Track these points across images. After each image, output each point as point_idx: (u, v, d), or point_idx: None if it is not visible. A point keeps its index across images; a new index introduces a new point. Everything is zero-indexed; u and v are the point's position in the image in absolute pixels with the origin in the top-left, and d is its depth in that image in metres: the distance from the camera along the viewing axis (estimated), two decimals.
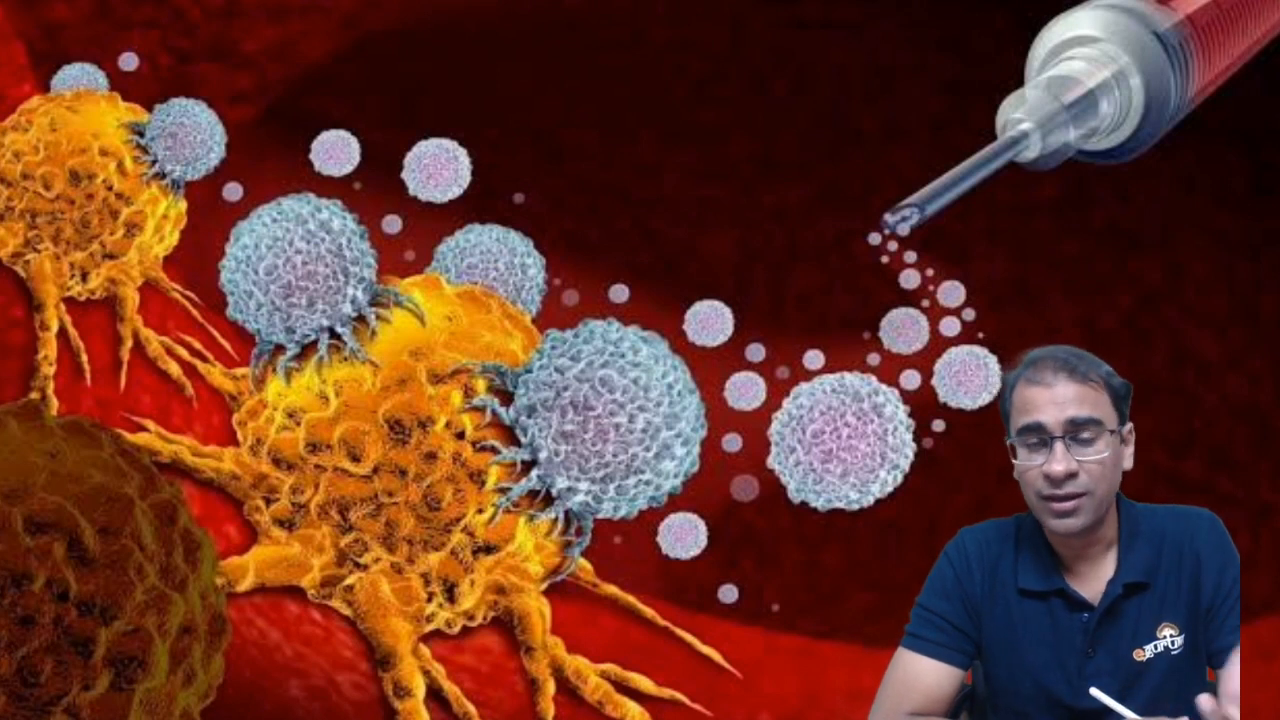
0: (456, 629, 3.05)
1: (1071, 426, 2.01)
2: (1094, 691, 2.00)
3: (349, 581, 2.98)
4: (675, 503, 3.02)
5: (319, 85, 4.12)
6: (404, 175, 3.68)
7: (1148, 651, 2.05)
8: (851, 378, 2.96)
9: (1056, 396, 2.03)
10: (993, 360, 3.34)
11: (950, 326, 3.59)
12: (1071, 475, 2.01)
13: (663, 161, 4.03)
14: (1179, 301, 3.83)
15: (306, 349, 3.02)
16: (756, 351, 3.62)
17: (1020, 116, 1.71)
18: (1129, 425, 2.08)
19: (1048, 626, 2.08)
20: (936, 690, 2.11)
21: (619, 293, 3.74)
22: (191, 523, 2.36)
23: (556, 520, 2.95)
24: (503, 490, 2.91)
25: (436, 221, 3.60)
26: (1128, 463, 2.08)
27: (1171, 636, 2.05)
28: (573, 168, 4.04)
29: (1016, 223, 3.84)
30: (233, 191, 3.86)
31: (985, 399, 3.33)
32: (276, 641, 3.12)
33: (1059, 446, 2.01)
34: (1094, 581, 2.08)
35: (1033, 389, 2.04)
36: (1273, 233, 3.84)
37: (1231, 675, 2.03)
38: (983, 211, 3.84)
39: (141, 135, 3.94)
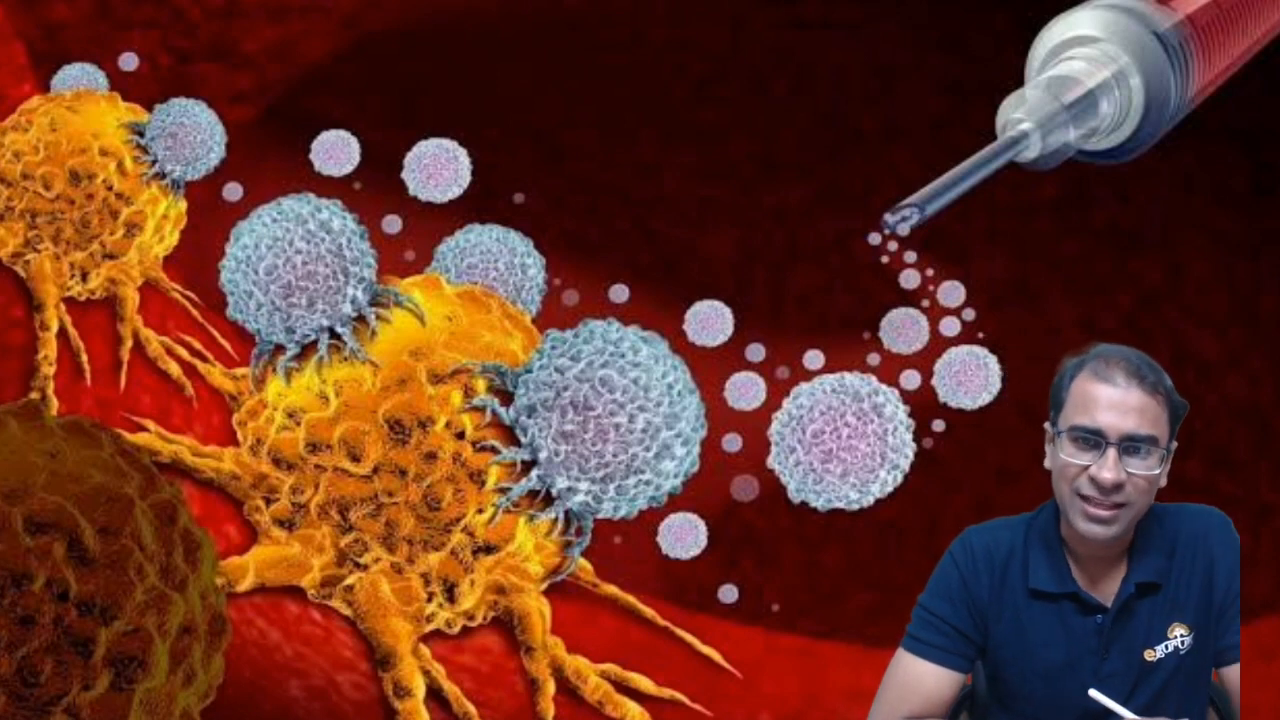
0: (456, 629, 3.05)
1: (1128, 439, 1.95)
2: (1092, 693, 1.99)
3: (349, 581, 2.98)
4: (675, 503, 3.02)
5: (319, 85, 4.12)
6: (404, 175, 3.67)
7: (1158, 651, 2.03)
8: (851, 378, 2.96)
9: (1125, 402, 1.96)
10: (993, 360, 3.34)
11: (950, 326, 3.59)
12: (1118, 486, 1.96)
13: (663, 161, 4.02)
14: (1179, 301, 3.83)
15: (306, 349, 3.02)
16: (756, 351, 3.62)
17: (1020, 116, 1.71)
18: (1175, 444, 2.03)
19: (1059, 629, 2.06)
20: (936, 695, 2.08)
21: (619, 293, 3.73)
22: (191, 523, 2.36)
23: (556, 520, 2.95)
24: (503, 490, 2.91)
25: (436, 221, 3.60)
26: (1163, 480, 2.03)
27: (1182, 636, 2.03)
28: (573, 168, 4.04)
29: (1016, 223, 3.83)
30: (233, 191, 3.86)
31: (985, 399, 3.33)
32: (276, 641, 3.12)
33: (1112, 454, 1.95)
34: (1107, 583, 2.05)
35: (1101, 386, 1.97)
36: (1273, 233, 3.84)
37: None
38: (983, 211, 3.84)
39: (141, 135, 3.94)
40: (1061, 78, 1.78)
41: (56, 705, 2.12)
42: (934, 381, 3.37)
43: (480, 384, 2.96)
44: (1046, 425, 2.04)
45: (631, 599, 3.45)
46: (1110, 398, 1.96)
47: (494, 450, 2.91)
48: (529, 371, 2.90)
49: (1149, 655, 2.03)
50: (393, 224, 3.72)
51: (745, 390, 3.52)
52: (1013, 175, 1.74)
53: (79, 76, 4.03)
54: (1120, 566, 2.05)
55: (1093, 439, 1.96)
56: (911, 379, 3.48)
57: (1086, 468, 1.96)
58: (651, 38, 4.08)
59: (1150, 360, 2.02)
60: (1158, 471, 1.98)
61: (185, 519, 2.33)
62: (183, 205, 4.02)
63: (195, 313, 3.96)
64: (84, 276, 3.96)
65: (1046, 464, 2.05)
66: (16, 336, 3.93)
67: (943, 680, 2.09)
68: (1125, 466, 1.95)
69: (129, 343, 3.95)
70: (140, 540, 2.22)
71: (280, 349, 3.03)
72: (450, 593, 2.97)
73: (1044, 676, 2.06)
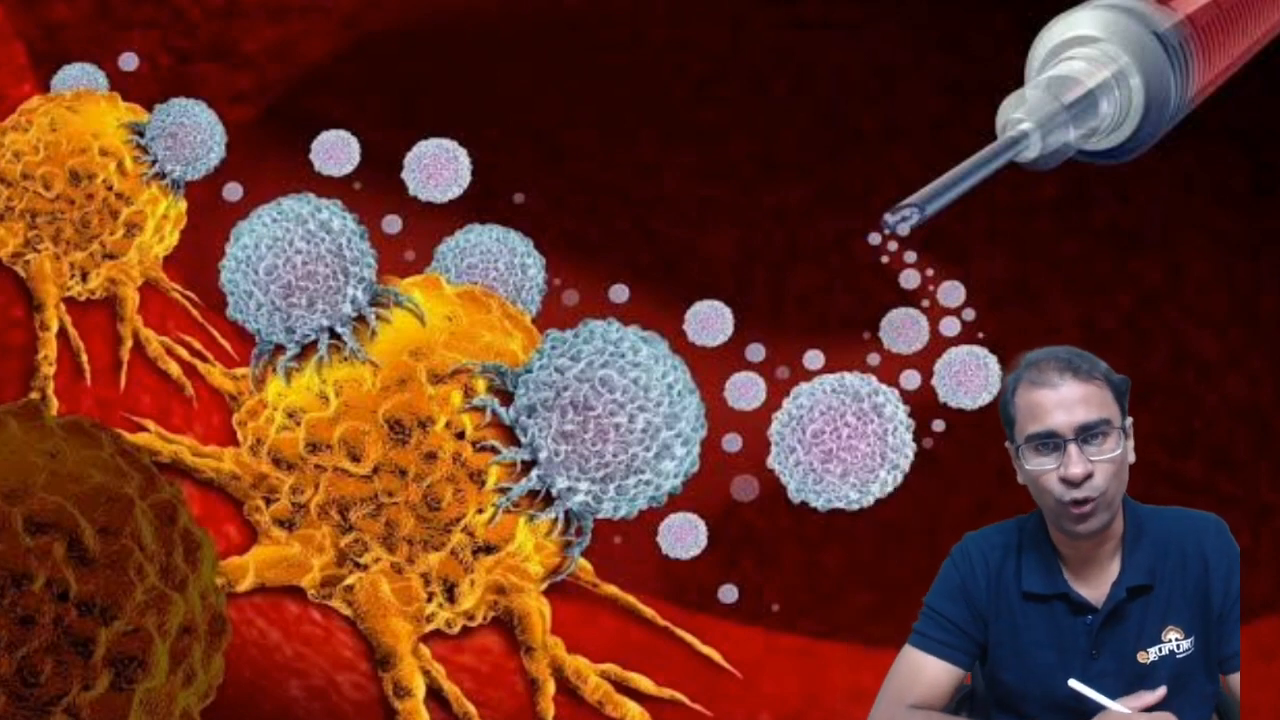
0: (456, 629, 3.05)
1: (1083, 430, 2.00)
2: (1072, 683, 2.01)
3: (349, 581, 2.98)
4: (675, 503, 3.02)
5: (319, 85, 4.12)
6: (404, 175, 3.67)
7: (1152, 654, 2.05)
8: (851, 378, 2.96)
9: (1064, 399, 2.01)
10: (993, 360, 3.34)
11: (950, 326, 3.59)
12: (1088, 476, 1.99)
13: (663, 161, 4.02)
14: (1179, 301, 3.83)
15: (306, 349, 3.02)
16: (756, 351, 3.62)
17: (1020, 116, 1.71)
18: (1130, 420, 2.06)
19: (1051, 630, 2.09)
20: (937, 687, 2.13)
21: (619, 293, 3.73)
22: (191, 523, 2.36)
23: (556, 520, 2.95)
24: (503, 490, 2.91)
25: (436, 221, 3.60)
26: (1131, 457, 2.06)
27: (1177, 640, 2.05)
28: (573, 168, 4.04)
29: (1016, 223, 3.84)
30: (233, 191, 3.86)
31: (985, 399, 3.33)
32: (276, 641, 3.12)
33: (1072, 449, 1.99)
34: (1098, 584, 2.08)
35: (1039, 392, 2.03)
36: (1273, 233, 3.84)
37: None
38: (983, 211, 3.84)
39: (141, 135, 3.94)
40: (1061, 78, 1.79)
41: (56, 705, 2.12)
42: (934, 381, 3.37)
43: (480, 384, 2.96)
44: (1007, 444, 2.10)
45: (631, 599, 3.46)
46: (1052, 399, 2.01)
47: (494, 450, 2.91)
48: (529, 371, 2.90)
49: (1142, 657, 2.05)
50: (393, 224, 3.72)
51: (745, 390, 3.52)
52: (1013, 175, 1.74)
53: (79, 76, 4.03)
54: (1111, 567, 2.08)
55: (1050, 441, 2.01)
56: (911, 379, 3.48)
57: (1055, 470, 2.00)
58: (651, 38, 4.08)
59: (1078, 351, 2.07)
60: (1120, 451, 2.02)
61: (185, 519, 2.33)
62: (183, 205, 4.02)
63: (195, 313, 3.96)
64: (84, 276, 3.96)
65: (1020, 479, 2.09)
66: (16, 336, 3.93)
67: (943, 673, 2.13)
68: (1088, 456, 2.00)
69: (129, 343, 3.95)
70: (140, 540, 2.22)
71: (280, 349, 3.03)
72: (450, 593, 2.98)
73: (1038, 677, 2.09)
